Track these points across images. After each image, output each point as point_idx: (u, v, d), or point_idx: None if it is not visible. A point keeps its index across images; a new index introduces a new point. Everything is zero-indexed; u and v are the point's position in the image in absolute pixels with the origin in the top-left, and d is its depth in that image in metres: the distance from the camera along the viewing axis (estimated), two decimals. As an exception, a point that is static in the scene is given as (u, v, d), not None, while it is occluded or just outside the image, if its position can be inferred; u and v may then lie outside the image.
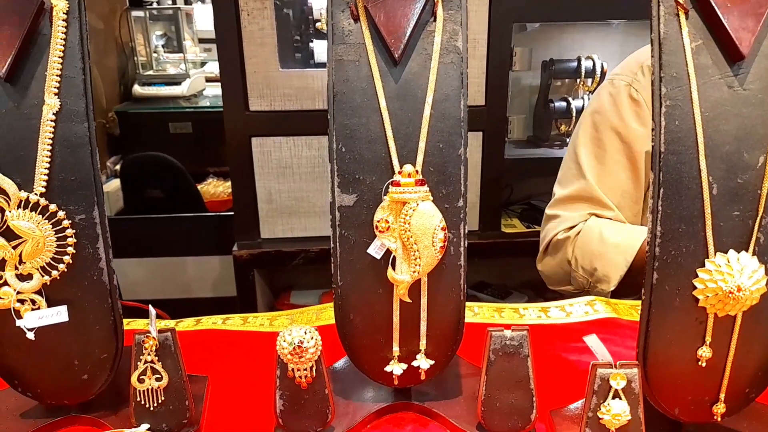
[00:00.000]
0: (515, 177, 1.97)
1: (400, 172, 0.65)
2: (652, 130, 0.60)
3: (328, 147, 0.66)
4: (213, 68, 3.15)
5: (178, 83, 2.81)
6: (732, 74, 0.59)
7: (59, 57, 0.63)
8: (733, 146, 0.59)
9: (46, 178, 0.63)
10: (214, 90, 2.96)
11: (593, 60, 1.90)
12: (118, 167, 2.57)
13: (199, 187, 2.52)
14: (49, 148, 0.63)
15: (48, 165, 0.63)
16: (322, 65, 1.77)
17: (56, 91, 0.63)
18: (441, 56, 0.65)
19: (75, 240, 0.65)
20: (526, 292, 2.03)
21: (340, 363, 0.81)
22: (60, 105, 0.63)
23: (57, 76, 0.63)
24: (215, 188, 2.59)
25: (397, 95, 0.65)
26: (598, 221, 1.09)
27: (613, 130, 1.09)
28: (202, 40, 3.26)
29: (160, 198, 2.35)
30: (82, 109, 0.64)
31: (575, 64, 1.91)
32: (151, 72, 2.90)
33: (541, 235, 1.20)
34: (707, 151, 0.59)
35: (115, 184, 2.51)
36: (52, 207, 0.64)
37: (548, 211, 1.18)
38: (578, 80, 1.94)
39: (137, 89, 2.77)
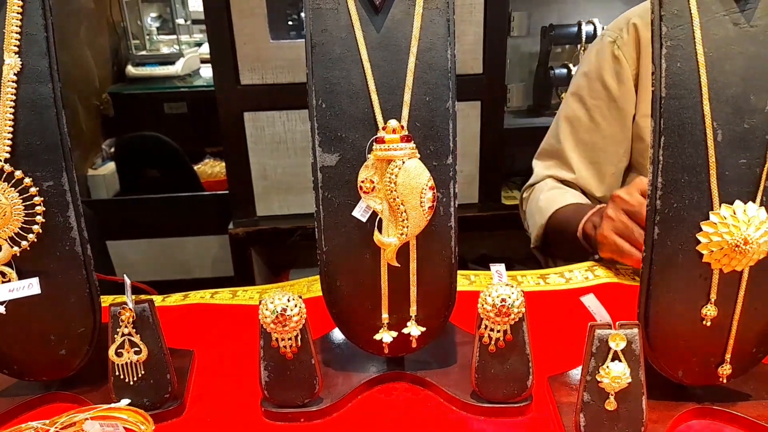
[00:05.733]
0: (515, 147, 1.92)
1: (384, 128, 0.61)
2: (652, 73, 0.56)
3: (307, 103, 0.63)
4: (208, 49, 3.10)
5: (172, 62, 2.76)
6: (738, 10, 0.54)
7: (18, 12, 0.59)
8: (739, 88, 0.55)
9: (9, 143, 0.60)
10: (211, 71, 2.91)
11: (594, 24, 1.84)
12: (113, 150, 2.54)
13: (195, 167, 2.49)
14: (12, 110, 0.60)
15: (11, 129, 0.60)
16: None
17: (16, 49, 0.60)
18: (425, 1, 0.60)
19: (44, 208, 0.62)
20: (529, 265, 1.99)
21: (331, 333, 0.78)
22: (21, 64, 0.60)
23: (16, 33, 0.59)
24: (212, 168, 2.55)
25: (379, 45, 0.61)
26: (546, 184, 1.18)
27: (595, 89, 1.13)
28: (196, 21, 3.20)
29: (156, 179, 2.32)
30: (45, 69, 0.60)
31: (576, 29, 1.85)
32: (144, 52, 2.85)
33: None
34: (711, 94, 0.55)
35: (111, 166, 2.48)
36: (18, 173, 0.60)
37: (533, 160, 1.26)
38: (579, 46, 1.88)
39: (131, 69, 2.72)
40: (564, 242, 1.08)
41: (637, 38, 1.08)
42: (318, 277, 1.00)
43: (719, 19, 0.55)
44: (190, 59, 2.87)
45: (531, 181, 1.23)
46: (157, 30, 2.99)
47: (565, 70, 1.86)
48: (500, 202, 1.86)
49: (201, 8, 3.05)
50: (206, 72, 2.97)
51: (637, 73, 1.09)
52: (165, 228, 2.19)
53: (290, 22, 1.82)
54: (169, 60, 2.79)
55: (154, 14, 3.03)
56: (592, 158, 1.15)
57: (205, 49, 3.12)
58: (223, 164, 2.53)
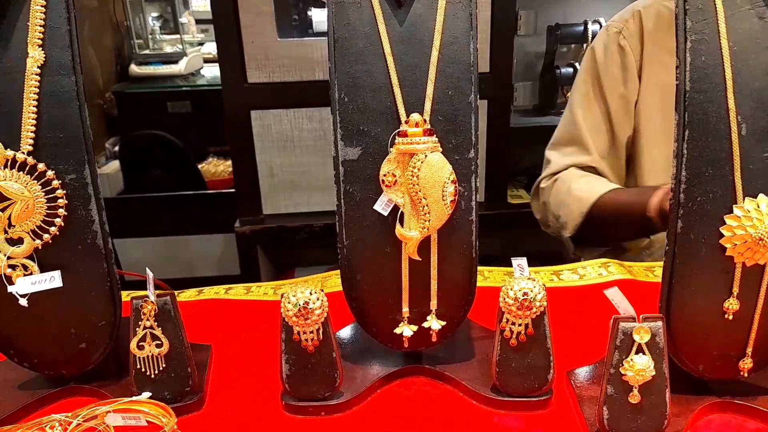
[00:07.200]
0: (521, 146, 1.92)
1: (406, 122, 0.61)
2: (676, 67, 0.56)
3: (330, 97, 0.63)
4: (210, 49, 3.10)
5: (176, 62, 2.76)
6: (762, 4, 0.55)
7: (42, 6, 0.59)
8: (763, 82, 0.55)
9: (32, 135, 0.60)
10: (213, 70, 2.91)
11: (600, 24, 1.84)
12: (117, 149, 2.54)
13: (199, 166, 2.48)
14: (35, 103, 0.60)
15: (34, 121, 0.60)
16: (321, 34, 1.72)
17: (40, 42, 0.60)
18: (448, -5, 0.61)
19: (66, 201, 0.62)
20: (534, 263, 2.00)
21: (348, 328, 0.78)
22: (45, 57, 0.60)
23: (40, 26, 0.59)
24: (216, 167, 2.55)
25: (402, 39, 0.61)
26: (572, 173, 1.17)
27: (600, 79, 1.15)
28: (198, 21, 3.20)
29: (160, 177, 2.31)
30: (68, 62, 0.60)
31: (582, 28, 1.86)
32: (147, 51, 2.85)
33: None
34: (736, 87, 0.55)
35: (115, 165, 2.47)
36: (41, 166, 0.61)
37: (545, 151, 1.25)
38: (585, 45, 1.88)
39: (134, 68, 2.72)
40: (618, 225, 1.09)
41: (641, 27, 1.10)
42: (331, 272, 1.00)
43: (744, 12, 0.55)
44: (193, 58, 2.87)
45: (549, 170, 1.21)
46: (160, 29, 3.00)
47: (571, 70, 1.86)
48: (506, 201, 1.86)
49: (202, 8, 3.07)
50: (208, 72, 2.97)
51: (640, 62, 1.11)
52: (169, 226, 2.18)
53: (293, 22, 1.82)
54: (172, 59, 2.79)
55: (155, 14, 3.03)
56: (605, 144, 1.16)
57: (207, 48, 3.13)
58: (227, 163, 2.54)
